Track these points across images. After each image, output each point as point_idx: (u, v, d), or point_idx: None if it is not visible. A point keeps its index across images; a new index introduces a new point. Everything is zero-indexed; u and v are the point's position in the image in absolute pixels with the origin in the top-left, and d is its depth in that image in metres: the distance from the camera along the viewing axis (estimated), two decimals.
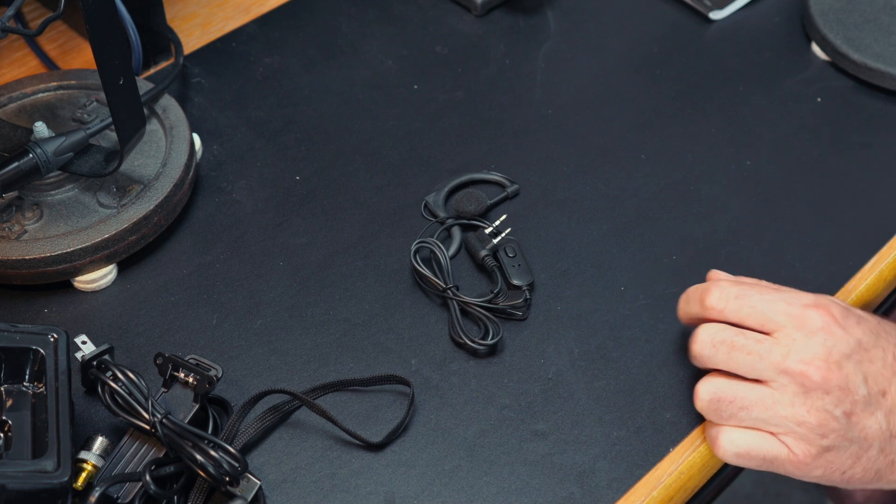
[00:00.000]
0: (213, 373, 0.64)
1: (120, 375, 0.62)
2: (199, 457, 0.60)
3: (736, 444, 0.64)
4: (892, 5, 0.91)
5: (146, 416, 0.61)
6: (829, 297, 0.65)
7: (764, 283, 0.67)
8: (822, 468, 0.63)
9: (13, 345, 0.63)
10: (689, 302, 0.67)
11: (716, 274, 0.70)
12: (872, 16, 0.90)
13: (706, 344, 0.64)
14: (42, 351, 0.63)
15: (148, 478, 0.60)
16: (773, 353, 0.62)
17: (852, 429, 0.62)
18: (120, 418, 0.62)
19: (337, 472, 0.66)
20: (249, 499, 0.62)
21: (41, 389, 0.63)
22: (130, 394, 0.62)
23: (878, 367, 0.62)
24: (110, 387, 0.62)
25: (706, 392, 0.64)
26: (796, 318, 0.63)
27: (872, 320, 0.65)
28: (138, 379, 0.62)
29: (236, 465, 0.61)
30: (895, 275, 0.78)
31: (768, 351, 0.62)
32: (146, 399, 0.61)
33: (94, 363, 0.64)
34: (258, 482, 0.62)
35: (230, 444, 0.62)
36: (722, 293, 0.65)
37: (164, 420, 0.61)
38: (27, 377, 0.64)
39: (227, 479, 0.61)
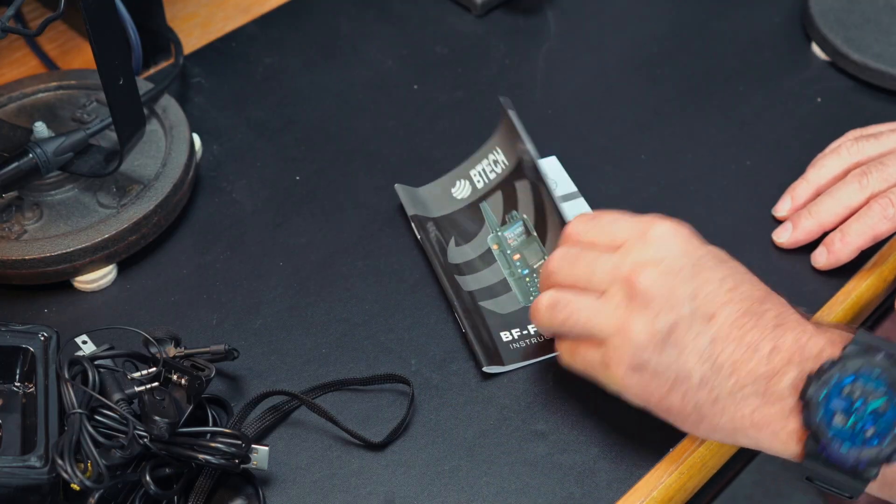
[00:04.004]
0: (204, 373, 0.64)
1: (103, 419, 0.61)
2: (200, 455, 0.60)
3: (567, 352, 0.65)
4: (892, 5, 0.91)
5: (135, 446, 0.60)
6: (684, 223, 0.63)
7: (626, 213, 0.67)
8: (637, 386, 0.61)
9: (3, 343, 0.63)
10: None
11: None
12: (872, 16, 0.90)
13: (555, 258, 0.65)
14: (32, 349, 0.63)
15: (147, 478, 0.60)
16: (608, 262, 0.62)
17: (670, 349, 0.59)
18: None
19: (337, 472, 0.66)
20: (266, 466, 0.63)
21: (31, 389, 0.63)
22: (113, 429, 0.60)
23: (712, 289, 0.60)
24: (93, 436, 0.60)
25: (545, 298, 0.64)
26: (640, 230, 0.62)
27: (721, 252, 0.63)
28: (121, 409, 0.61)
29: (239, 443, 0.61)
30: (895, 275, 0.78)
31: (605, 260, 0.62)
32: (129, 431, 0.60)
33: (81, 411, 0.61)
34: (266, 448, 0.62)
35: None
36: (578, 220, 0.65)
37: (151, 441, 0.60)
38: (17, 377, 0.64)
39: (237, 460, 0.61)
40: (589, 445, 0.67)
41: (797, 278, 0.76)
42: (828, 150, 0.80)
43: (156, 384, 0.63)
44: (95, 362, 0.63)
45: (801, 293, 0.75)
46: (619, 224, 0.64)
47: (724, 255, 0.63)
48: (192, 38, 0.93)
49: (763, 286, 0.62)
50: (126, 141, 0.73)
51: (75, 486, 0.60)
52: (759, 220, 0.79)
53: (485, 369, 0.69)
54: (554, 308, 0.64)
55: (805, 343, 0.59)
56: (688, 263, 0.61)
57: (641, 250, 0.61)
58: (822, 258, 0.75)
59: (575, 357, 0.64)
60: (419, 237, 0.76)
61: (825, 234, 0.76)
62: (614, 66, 0.91)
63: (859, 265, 0.76)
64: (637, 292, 0.60)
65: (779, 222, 0.79)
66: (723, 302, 0.60)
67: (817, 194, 0.77)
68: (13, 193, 0.75)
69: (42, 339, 0.64)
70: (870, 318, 0.81)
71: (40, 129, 0.75)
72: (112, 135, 0.79)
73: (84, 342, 0.66)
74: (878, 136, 0.78)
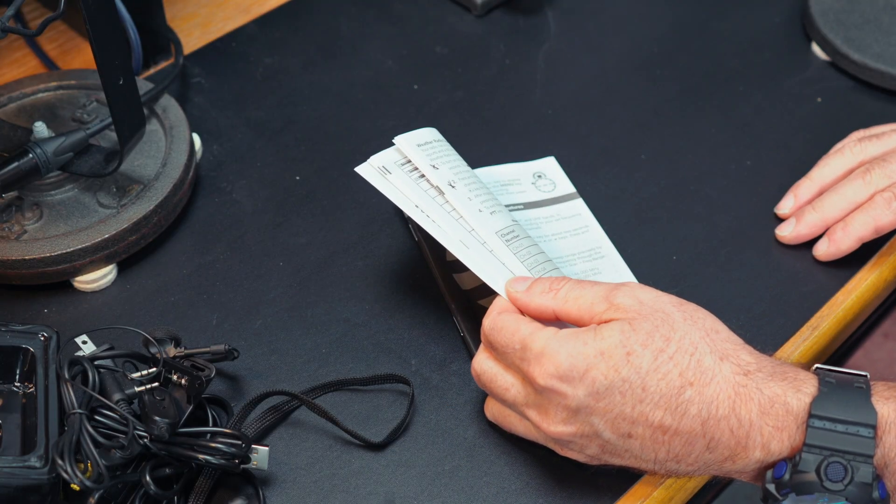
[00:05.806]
0: (204, 373, 0.64)
1: (103, 419, 0.61)
2: (200, 455, 0.60)
3: (492, 412, 0.67)
4: (892, 5, 0.91)
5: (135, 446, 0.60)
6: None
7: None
8: (574, 454, 0.63)
9: (3, 343, 0.63)
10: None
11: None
12: (872, 16, 0.90)
13: (485, 327, 0.64)
14: (32, 350, 0.63)
15: (147, 478, 0.60)
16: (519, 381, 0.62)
17: (609, 455, 0.61)
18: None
19: (337, 472, 0.66)
20: (266, 466, 0.63)
21: (31, 389, 0.63)
22: (113, 429, 0.60)
23: (617, 412, 0.58)
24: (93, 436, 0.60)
25: (476, 364, 0.64)
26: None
27: (619, 347, 0.59)
28: (121, 409, 0.61)
29: (239, 443, 0.61)
30: (895, 275, 0.78)
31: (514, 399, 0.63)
32: (129, 431, 0.60)
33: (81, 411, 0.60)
34: (266, 448, 0.63)
35: None
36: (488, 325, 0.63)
37: (151, 441, 0.60)
38: (17, 377, 0.64)
39: (237, 460, 0.61)
40: None
41: (798, 278, 0.76)
42: (832, 150, 0.80)
43: (156, 384, 0.63)
44: (95, 362, 0.63)
45: (802, 293, 0.75)
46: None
47: (621, 348, 0.59)
48: (192, 38, 0.93)
49: (682, 367, 0.59)
50: (126, 141, 0.73)
51: (75, 486, 0.60)
52: (759, 220, 0.79)
53: None
54: (479, 378, 0.64)
55: (744, 444, 0.59)
56: (587, 396, 0.59)
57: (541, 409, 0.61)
58: (823, 247, 0.76)
59: (501, 421, 0.66)
60: (416, 238, 0.76)
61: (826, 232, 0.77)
62: (614, 66, 0.91)
63: (859, 265, 0.76)
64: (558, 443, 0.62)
65: (780, 222, 0.79)
66: (632, 421, 0.59)
67: (821, 193, 0.78)
68: (13, 193, 0.75)
69: (42, 339, 0.64)
70: (865, 323, 0.81)
71: (40, 129, 0.75)
72: (112, 135, 0.79)
73: (84, 342, 0.66)
74: (881, 136, 0.78)
